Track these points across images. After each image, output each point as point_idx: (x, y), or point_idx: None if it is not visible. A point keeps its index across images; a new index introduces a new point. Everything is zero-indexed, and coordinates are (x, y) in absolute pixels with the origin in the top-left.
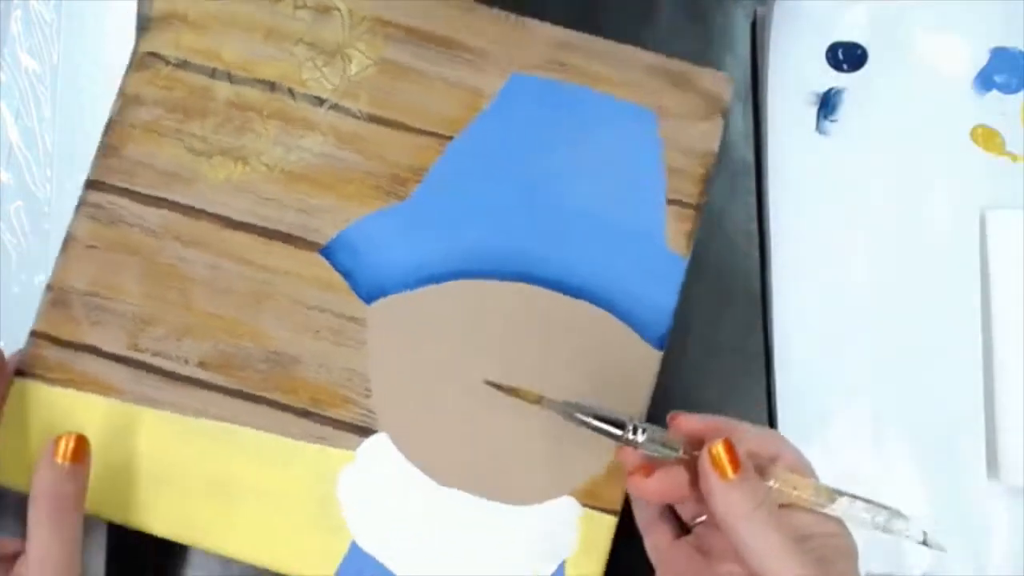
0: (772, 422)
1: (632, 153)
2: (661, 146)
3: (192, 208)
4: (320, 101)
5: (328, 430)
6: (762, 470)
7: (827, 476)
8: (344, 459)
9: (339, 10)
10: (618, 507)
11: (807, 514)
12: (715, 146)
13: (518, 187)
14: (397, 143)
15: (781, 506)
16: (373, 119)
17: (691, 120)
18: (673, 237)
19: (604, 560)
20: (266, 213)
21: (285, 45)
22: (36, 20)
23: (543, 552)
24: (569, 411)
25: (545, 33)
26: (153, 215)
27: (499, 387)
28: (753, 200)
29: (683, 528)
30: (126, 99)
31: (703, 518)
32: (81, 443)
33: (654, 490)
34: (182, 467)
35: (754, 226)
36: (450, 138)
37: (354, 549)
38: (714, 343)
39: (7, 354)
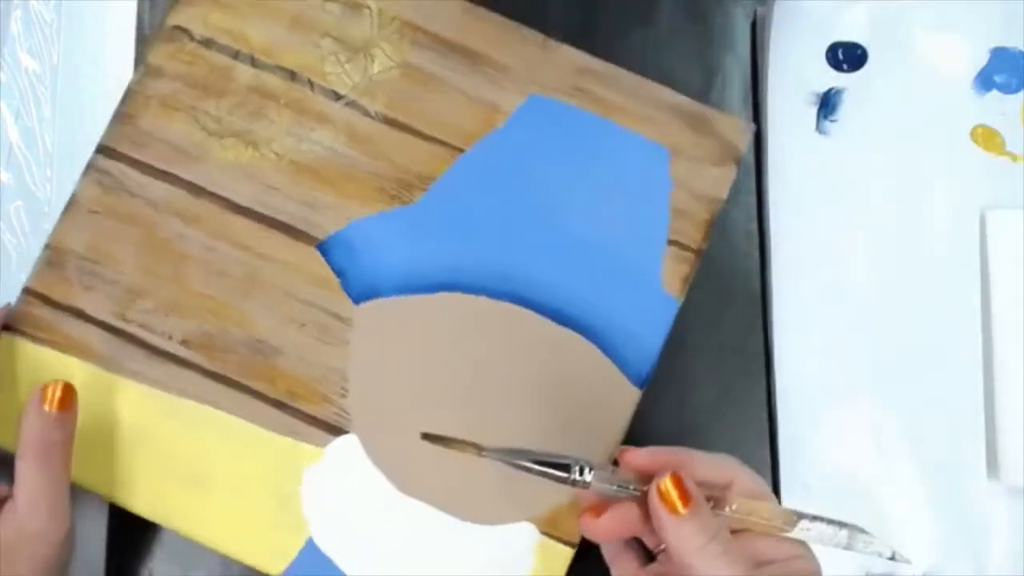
0: (772, 422)
1: (640, 188)
2: (670, 185)
3: (197, 186)
4: (338, 96)
5: (300, 424)
6: (717, 498)
7: (827, 477)
8: (311, 456)
9: (369, 8)
10: (576, 540)
11: (766, 538)
12: (724, 194)
13: (522, 208)
14: (408, 148)
15: (740, 532)
16: (388, 121)
17: (704, 164)
18: (669, 278)
19: None
20: (269, 201)
21: (311, 36)
22: (36, 20)
23: (497, 574)
24: (511, 459)
25: (571, 57)
26: (158, 188)
27: (436, 439)
28: (753, 200)
29: (648, 556)
30: (148, 69)
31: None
32: (68, 391)
33: (605, 528)
34: (156, 444)
35: (754, 226)
36: (461, 150)
37: (310, 546)
38: (714, 343)
39: None
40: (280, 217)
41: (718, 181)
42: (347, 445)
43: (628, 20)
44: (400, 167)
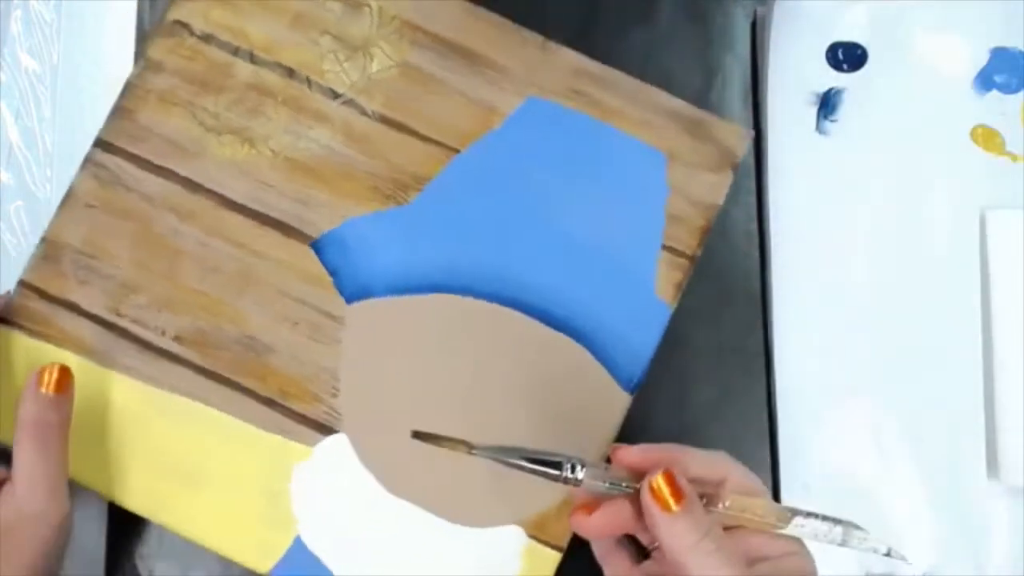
0: (772, 422)
1: (636, 193)
2: (666, 191)
3: (193, 182)
4: (336, 95)
5: (290, 423)
6: (710, 495)
7: (827, 476)
8: (301, 454)
9: (370, 7)
10: (564, 544)
11: (760, 535)
12: (720, 200)
13: (517, 210)
14: (404, 148)
15: (733, 529)
16: (385, 120)
17: (701, 170)
18: (662, 284)
19: None
20: (264, 198)
21: (311, 34)
22: (36, 20)
23: None
24: (502, 457)
25: (570, 60)
26: (154, 183)
27: (425, 437)
28: (753, 200)
29: (642, 553)
30: (148, 64)
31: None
32: (64, 374)
33: (597, 526)
34: (147, 439)
35: (754, 226)
36: (458, 151)
37: (298, 544)
38: (714, 343)
39: None
40: (275, 215)
41: (715, 187)
42: (337, 444)
43: (628, 20)
44: (396, 167)
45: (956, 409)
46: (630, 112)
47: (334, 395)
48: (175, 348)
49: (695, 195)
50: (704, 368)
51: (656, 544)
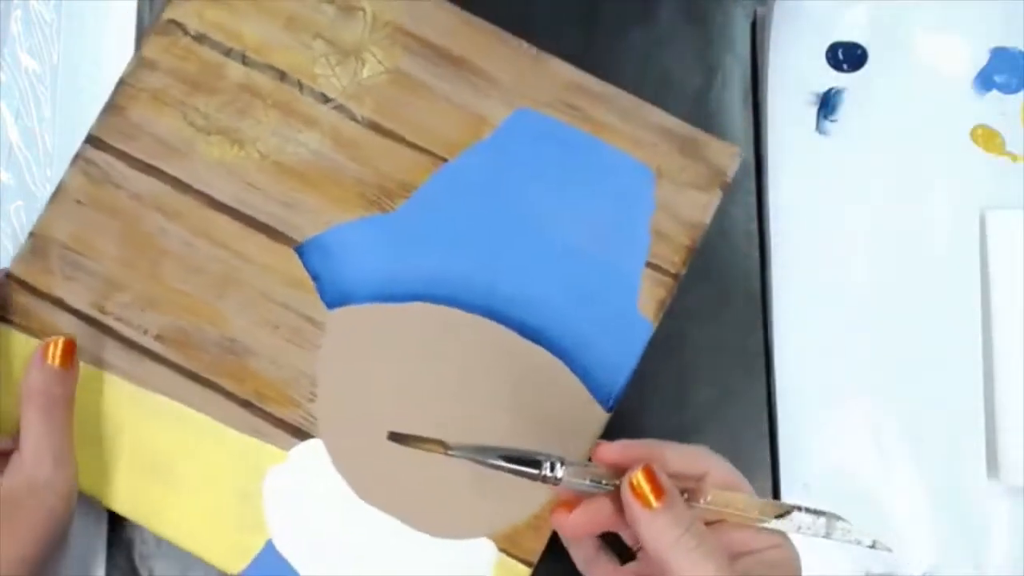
0: (772, 422)
1: (622, 208)
2: (653, 207)
3: (181, 182)
4: (326, 99)
5: (266, 426)
6: (691, 490)
7: (827, 477)
8: (275, 457)
9: (363, 11)
10: (534, 559)
11: (743, 529)
12: (707, 219)
13: (502, 221)
14: (392, 155)
15: (716, 523)
16: (373, 127)
17: (689, 188)
18: (645, 301)
19: None
20: (251, 200)
21: (304, 37)
22: (36, 20)
23: None
24: (480, 457)
25: (562, 72)
26: (143, 182)
27: (401, 439)
28: (753, 200)
29: (626, 555)
30: (141, 62)
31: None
32: (68, 347)
33: (578, 524)
34: (125, 436)
35: (754, 226)
36: (446, 159)
37: (269, 548)
38: (714, 343)
39: None
40: (260, 217)
41: (702, 207)
42: (312, 449)
43: (628, 20)
44: (383, 174)
45: (956, 409)
46: (620, 127)
47: (311, 400)
48: (156, 347)
49: (682, 213)
50: (704, 368)
51: (640, 543)
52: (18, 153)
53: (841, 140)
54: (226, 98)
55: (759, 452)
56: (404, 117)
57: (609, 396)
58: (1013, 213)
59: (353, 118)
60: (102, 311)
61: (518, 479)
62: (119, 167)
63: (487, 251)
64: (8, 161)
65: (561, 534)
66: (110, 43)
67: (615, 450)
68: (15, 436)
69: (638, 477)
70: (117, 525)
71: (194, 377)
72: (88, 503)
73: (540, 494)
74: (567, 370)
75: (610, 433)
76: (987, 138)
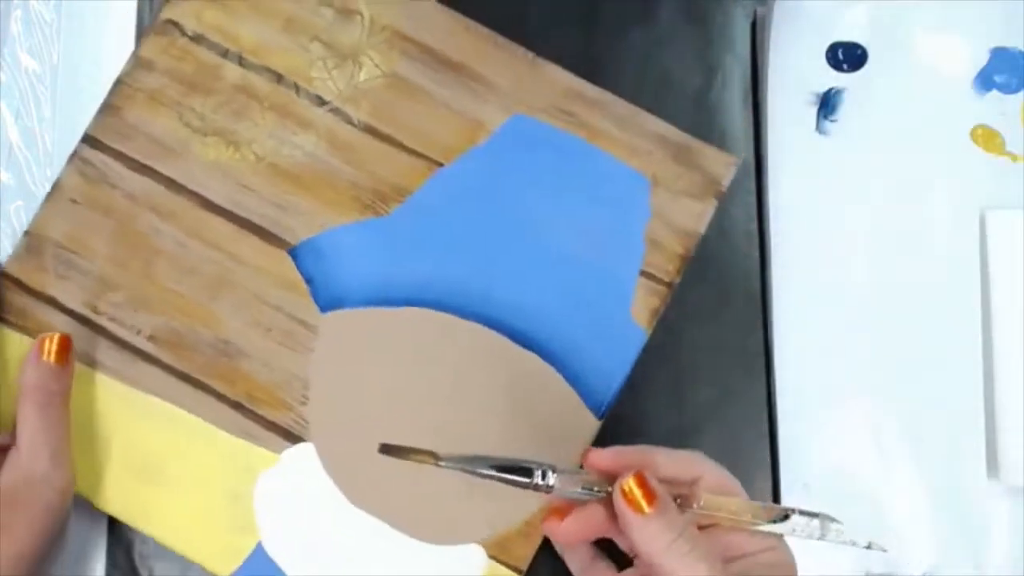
0: (772, 422)
1: (617, 216)
2: (648, 216)
3: (176, 183)
4: (322, 102)
5: (257, 428)
6: (684, 495)
7: (827, 476)
8: (267, 460)
9: (361, 15)
10: (523, 566)
11: (737, 533)
12: (702, 228)
13: (496, 227)
14: (388, 159)
15: (710, 527)
16: (369, 130)
17: (684, 197)
18: (639, 309)
19: None
20: (245, 202)
21: (301, 39)
22: (36, 20)
23: None
24: (470, 467)
25: (559, 78)
26: (137, 182)
27: (392, 451)
28: (753, 200)
29: (620, 562)
30: (138, 61)
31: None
32: (64, 343)
33: (571, 531)
34: (116, 437)
35: (754, 226)
36: (441, 164)
37: (259, 550)
38: (714, 343)
39: None
40: (254, 219)
41: (696, 216)
42: (303, 453)
43: (628, 20)
44: (378, 177)
45: (956, 409)
46: (616, 134)
47: (303, 403)
48: (149, 348)
49: (677, 222)
50: (703, 368)
51: (634, 550)
52: (18, 153)
53: (841, 140)
54: (222, 99)
55: (759, 452)
56: (400, 121)
57: (601, 404)
58: (1013, 213)
59: (349, 121)
60: (95, 311)
61: (510, 489)
62: (115, 167)
63: (481, 257)
64: (8, 161)
65: (555, 541)
66: (110, 43)
67: (606, 457)
68: (12, 432)
69: (630, 483)
70: (117, 525)
71: (186, 378)
72: (87, 504)
73: (531, 501)
74: (559, 377)
75: (611, 434)
76: (987, 138)
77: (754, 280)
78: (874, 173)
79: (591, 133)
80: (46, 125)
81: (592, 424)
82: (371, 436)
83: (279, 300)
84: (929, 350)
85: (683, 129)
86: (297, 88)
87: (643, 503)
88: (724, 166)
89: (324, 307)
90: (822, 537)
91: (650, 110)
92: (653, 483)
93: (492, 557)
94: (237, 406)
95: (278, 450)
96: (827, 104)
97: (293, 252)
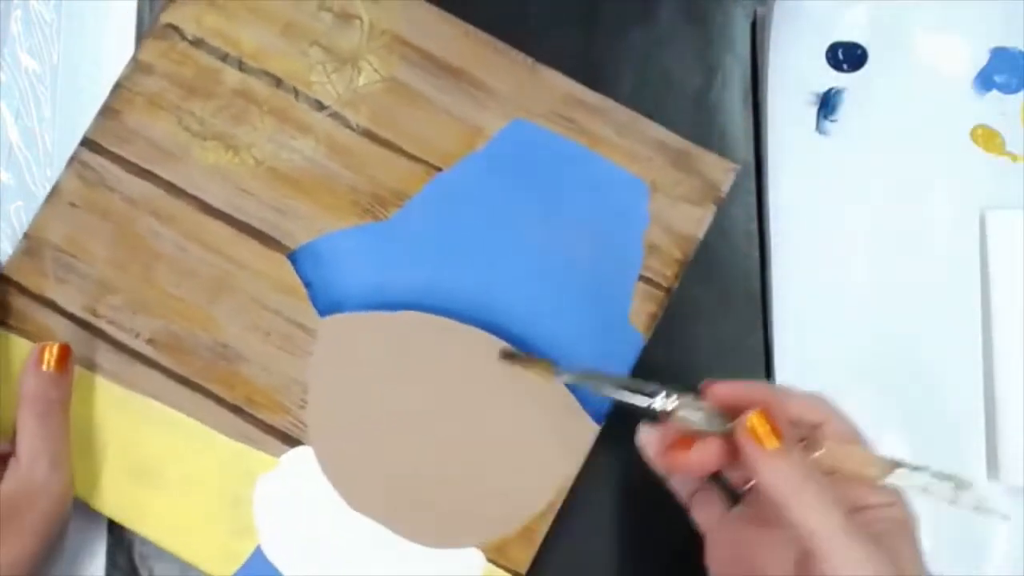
0: None
1: (616, 221)
2: (647, 221)
3: (175, 187)
4: (321, 106)
5: (256, 432)
6: (808, 439)
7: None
8: (266, 464)
9: (361, 20)
10: (523, 570)
11: (856, 484)
12: (700, 234)
13: (495, 232)
14: (387, 164)
15: (829, 475)
16: (368, 135)
17: (683, 203)
18: (637, 314)
19: None
20: (244, 206)
21: (301, 44)
22: (36, 20)
23: None
24: (590, 383)
25: (559, 84)
26: (136, 185)
27: (513, 357)
28: (753, 200)
29: (731, 496)
30: (137, 65)
31: (751, 483)
32: (64, 351)
33: (695, 462)
34: (116, 440)
35: (754, 226)
36: (440, 169)
37: (258, 554)
38: (714, 343)
39: None
40: (253, 223)
41: (695, 221)
42: (302, 457)
43: (628, 20)
44: (377, 182)
45: (956, 409)
46: (616, 140)
47: (302, 407)
48: (148, 351)
49: (675, 227)
50: (704, 368)
51: (747, 486)
52: (18, 153)
53: (841, 140)
54: (222, 103)
55: None
56: (399, 126)
57: (599, 409)
58: (1013, 213)
59: (348, 126)
60: (94, 314)
61: (506, 489)
62: (114, 170)
63: (480, 261)
64: (8, 161)
65: (672, 471)
66: (110, 44)
67: (730, 389)
68: (12, 439)
69: (755, 419)
70: (117, 526)
71: (185, 382)
72: (87, 504)
73: (531, 504)
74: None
75: (611, 437)
76: (987, 138)
77: (754, 280)
78: (874, 173)
79: (591, 139)
80: (46, 125)
81: (591, 429)
82: (370, 440)
83: (278, 304)
84: (929, 350)
85: (683, 129)
86: (296, 92)
87: (769, 440)
88: (723, 172)
89: (323, 311)
90: (954, 501)
91: (650, 110)
92: (780, 421)
93: (491, 560)
94: (236, 410)
95: (277, 454)
96: (827, 104)
97: (292, 256)
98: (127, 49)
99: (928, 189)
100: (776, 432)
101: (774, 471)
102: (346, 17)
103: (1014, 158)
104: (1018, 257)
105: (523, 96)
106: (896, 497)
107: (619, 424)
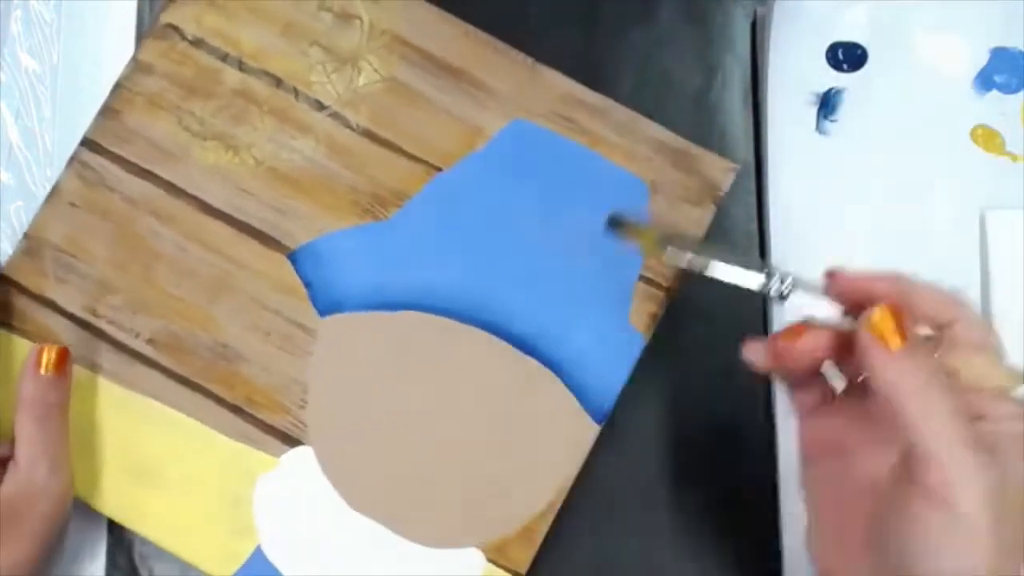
0: (772, 422)
1: None
2: (647, 221)
3: (175, 187)
4: (321, 106)
5: (256, 432)
6: (934, 338)
7: None
8: (266, 464)
9: (361, 20)
10: (523, 570)
11: (977, 392)
12: (700, 233)
13: (495, 232)
14: (386, 164)
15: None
16: (368, 135)
17: (683, 202)
18: (638, 315)
19: None
20: (244, 206)
21: (301, 44)
22: (36, 20)
23: None
24: (700, 261)
25: (558, 84)
26: (137, 185)
27: (619, 224)
28: (753, 200)
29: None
30: (137, 65)
31: (863, 377)
32: (62, 354)
33: (804, 350)
34: (115, 440)
35: (754, 226)
36: (440, 169)
37: (258, 554)
38: (713, 343)
39: None
40: (253, 223)
41: (695, 220)
42: (302, 457)
43: (628, 20)
44: (377, 182)
45: None
46: (616, 140)
47: (302, 407)
48: (148, 351)
49: (676, 227)
50: (704, 368)
51: (860, 379)
52: (18, 153)
53: (841, 140)
54: (222, 103)
55: (759, 451)
56: (399, 126)
57: (600, 409)
58: (1013, 213)
59: (348, 126)
60: (94, 314)
61: (506, 489)
62: (113, 170)
63: (480, 261)
64: (8, 161)
65: (782, 355)
66: (110, 44)
67: (855, 279)
68: (11, 441)
69: (880, 315)
70: (117, 526)
71: (185, 382)
72: (87, 504)
73: (531, 504)
74: (558, 382)
75: (611, 438)
76: (987, 138)
77: None
78: (874, 173)
79: (590, 139)
80: (46, 125)
81: (591, 429)
82: (370, 440)
83: (278, 304)
84: None
85: (683, 129)
86: (296, 92)
87: (895, 338)
88: (723, 172)
89: (323, 311)
90: None
91: (650, 110)
92: (907, 320)
93: (491, 560)
94: (236, 410)
95: (277, 454)
96: (827, 104)
97: (292, 256)
98: (127, 49)
99: (928, 189)
100: (901, 331)
101: (894, 372)
102: (346, 17)
103: (1014, 158)
104: (1018, 257)
105: (523, 96)
106: (1020, 411)
107: (619, 424)
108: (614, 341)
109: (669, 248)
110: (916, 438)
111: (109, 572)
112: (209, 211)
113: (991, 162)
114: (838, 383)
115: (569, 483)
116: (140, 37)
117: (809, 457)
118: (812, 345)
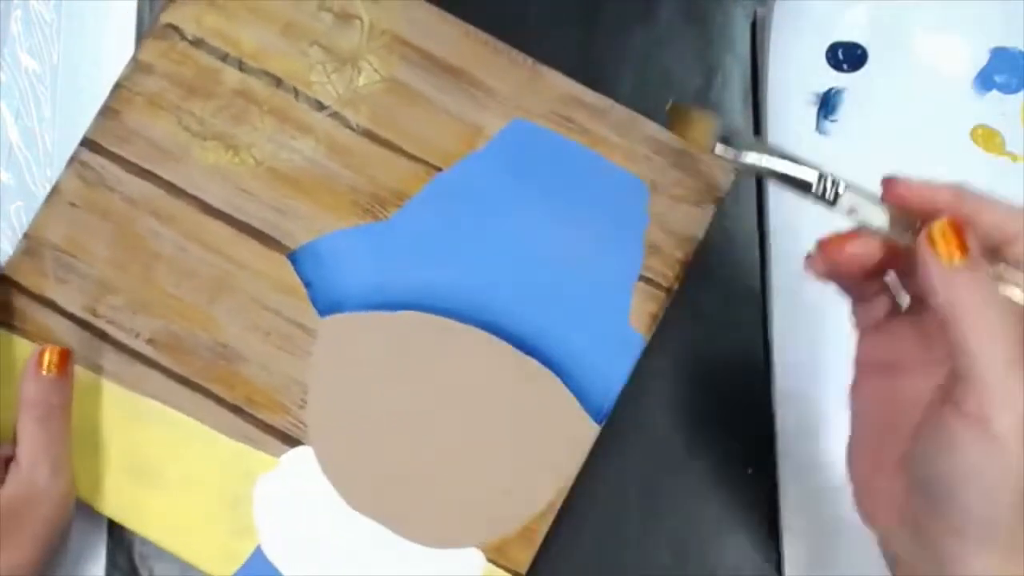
0: (771, 421)
1: (616, 221)
2: (647, 221)
3: (175, 187)
4: (321, 106)
5: (256, 432)
6: (993, 252)
7: (827, 477)
8: (266, 464)
9: (361, 20)
10: (523, 570)
11: None
12: (700, 234)
13: (495, 232)
14: (387, 164)
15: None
16: (368, 135)
17: (683, 203)
18: (637, 315)
19: None
20: (244, 206)
21: (301, 44)
22: (36, 20)
23: None
24: (752, 159)
25: (558, 84)
26: (136, 185)
27: (676, 109)
28: (753, 200)
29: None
30: (137, 65)
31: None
32: (64, 355)
33: (857, 253)
34: (115, 440)
35: (754, 226)
36: (440, 169)
37: (258, 554)
38: (714, 343)
39: None
40: (253, 223)
41: (695, 221)
42: (302, 457)
43: (628, 20)
44: (377, 182)
45: None
46: (616, 140)
47: (301, 407)
48: (148, 351)
49: (676, 227)
50: (703, 368)
51: (917, 293)
52: (18, 153)
53: (841, 140)
54: (222, 103)
55: (759, 451)
56: (399, 126)
57: (600, 409)
58: None
59: (348, 126)
60: (94, 314)
61: (506, 489)
62: (113, 170)
63: (479, 261)
64: (8, 161)
65: (831, 262)
66: (110, 44)
67: (915, 189)
68: (13, 442)
69: (940, 229)
70: (117, 526)
71: (185, 382)
72: (88, 504)
73: (531, 504)
74: (558, 382)
75: (611, 439)
76: (987, 138)
77: (754, 280)
78: (874, 173)
79: (591, 139)
80: (46, 125)
81: (591, 430)
82: (370, 440)
83: (278, 304)
84: None
85: None
86: (296, 92)
87: (956, 254)
88: (723, 172)
89: (323, 311)
90: None
91: (650, 110)
92: (969, 234)
93: (491, 561)
94: (236, 410)
95: (277, 454)
96: (827, 104)
97: (292, 256)
98: (127, 49)
99: None
100: (962, 247)
101: (952, 288)
102: (346, 17)
103: (1014, 158)
104: None
105: (523, 96)
106: None
107: (619, 424)
108: (614, 341)
109: (718, 145)
110: (964, 358)
111: (109, 572)
112: (209, 211)
113: (991, 162)
114: (904, 299)
115: (569, 483)
116: (140, 37)
117: (862, 373)
118: (861, 250)
